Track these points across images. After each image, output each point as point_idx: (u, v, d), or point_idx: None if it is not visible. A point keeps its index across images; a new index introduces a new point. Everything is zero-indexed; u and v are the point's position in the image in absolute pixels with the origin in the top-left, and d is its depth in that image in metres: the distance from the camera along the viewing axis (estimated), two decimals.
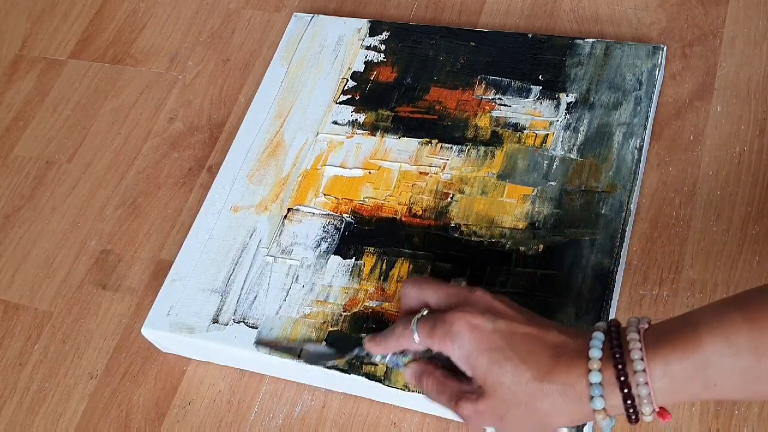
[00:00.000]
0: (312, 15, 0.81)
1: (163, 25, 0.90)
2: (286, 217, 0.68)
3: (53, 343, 0.71)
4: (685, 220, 0.65)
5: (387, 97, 0.74)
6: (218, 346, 0.63)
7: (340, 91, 0.75)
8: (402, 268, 0.64)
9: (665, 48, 0.71)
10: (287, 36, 0.80)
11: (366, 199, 0.68)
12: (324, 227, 0.67)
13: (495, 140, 0.69)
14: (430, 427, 0.61)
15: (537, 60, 0.73)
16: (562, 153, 0.67)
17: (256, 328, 0.63)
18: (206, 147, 0.79)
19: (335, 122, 0.73)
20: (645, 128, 0.67)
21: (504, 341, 0.50)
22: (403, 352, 0.56)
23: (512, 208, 0.65)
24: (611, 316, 0.60)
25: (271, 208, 0.69)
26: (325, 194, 0.69)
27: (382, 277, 0.64)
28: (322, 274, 0.65)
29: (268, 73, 0.78)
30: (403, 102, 0.73)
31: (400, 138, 0.71)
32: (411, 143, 0.70)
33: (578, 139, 0.67)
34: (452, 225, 0.65)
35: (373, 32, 0.78)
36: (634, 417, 0.47)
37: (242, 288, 0.65)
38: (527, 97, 0.71)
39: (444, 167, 0.68)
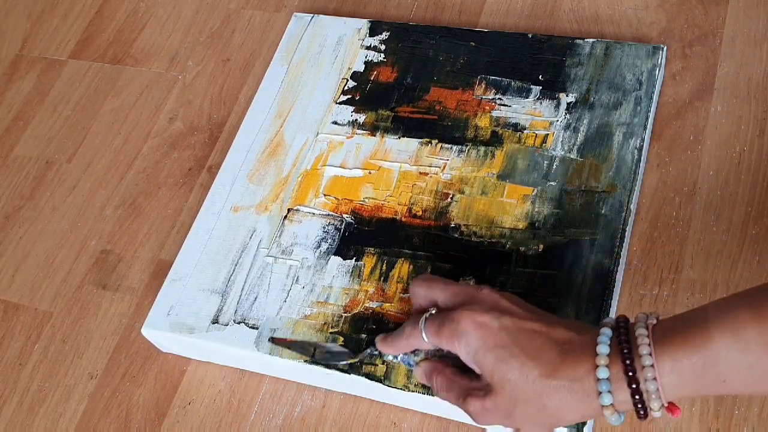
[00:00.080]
0: (312, 15, 0.81)
1: (163, 25, 0.90)
2: (286, 217, 0.68)
3: (53, 343, 0.71)
4: (685, 220, 0.65)
5: (387, 97, 0.74)
6: (218, 346, 0.63)
7: (340, 91, 0.75)
8: (402, 268, 0.64)
9: (665, 48, 0.71)
10: (287, 36, 0.80)
11: (366, 200, 0.68)
12: (324, 228, 0.67)
13: (495, 140, 0.69)
14: (430, 427, 0.61)
15: (537, 60, 0.73)
16: (562, 153, 0.67)
17: (257, 328, 0.63)
18: (206, 147, 0.79)
19: (335, 122, 0.73)
20: (645, 128, 0.67)
21: (510, 338, 0.50)
22: (414, 351, 0.57)
23: (512, 208, 0.65)
24: (611, 316, 0.60)
25: (271, 209, 0.69)
26: (325, 194, 0.69)
27: (382, 278, 0.64)
28: (323, 274, 0.65)
29: (268, 73, 0.78)
30: (403, 102, 0.73)
31: (400, 138, 0.71)
32: (411, 143, 0.70)
33: (578, 139, 0.67)
34: (452, 225, 0.65)
35: (373, 32, 0.78)
36: (642, 413, 0.46)
37: (242, 289, 0.65)
38: (527, 97, 0.71)
39: (444, 167, 0.68)
